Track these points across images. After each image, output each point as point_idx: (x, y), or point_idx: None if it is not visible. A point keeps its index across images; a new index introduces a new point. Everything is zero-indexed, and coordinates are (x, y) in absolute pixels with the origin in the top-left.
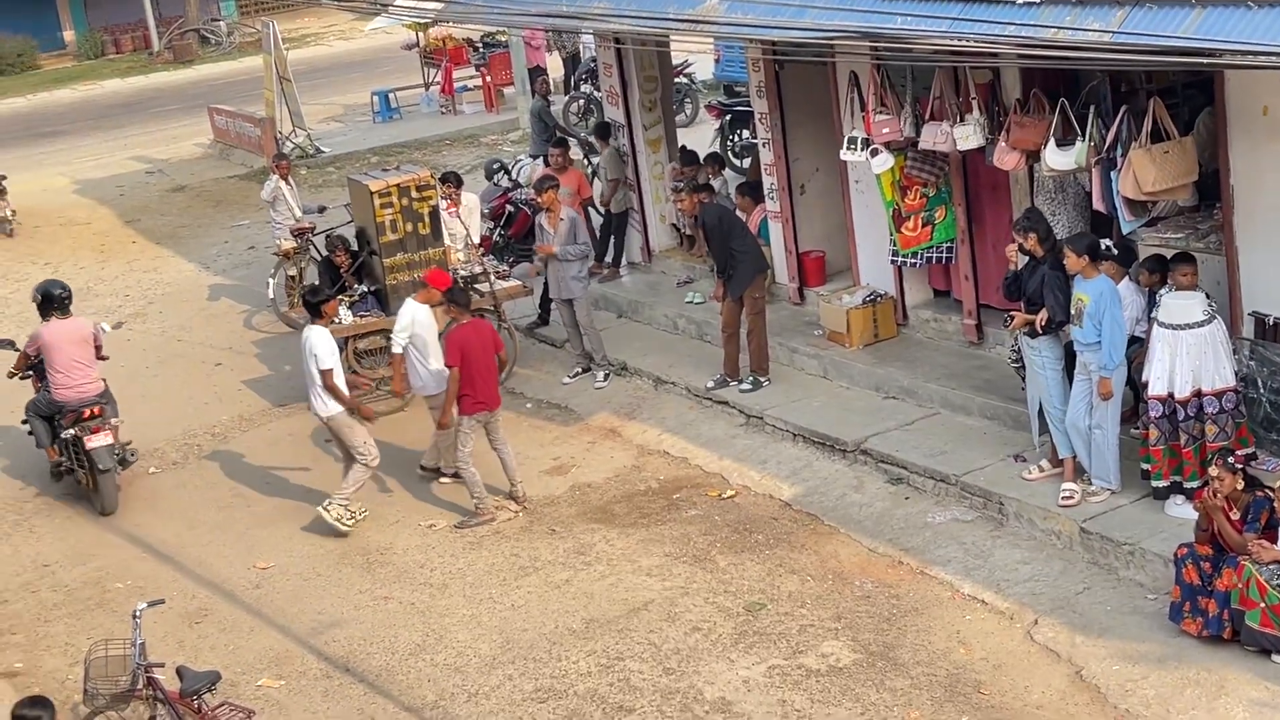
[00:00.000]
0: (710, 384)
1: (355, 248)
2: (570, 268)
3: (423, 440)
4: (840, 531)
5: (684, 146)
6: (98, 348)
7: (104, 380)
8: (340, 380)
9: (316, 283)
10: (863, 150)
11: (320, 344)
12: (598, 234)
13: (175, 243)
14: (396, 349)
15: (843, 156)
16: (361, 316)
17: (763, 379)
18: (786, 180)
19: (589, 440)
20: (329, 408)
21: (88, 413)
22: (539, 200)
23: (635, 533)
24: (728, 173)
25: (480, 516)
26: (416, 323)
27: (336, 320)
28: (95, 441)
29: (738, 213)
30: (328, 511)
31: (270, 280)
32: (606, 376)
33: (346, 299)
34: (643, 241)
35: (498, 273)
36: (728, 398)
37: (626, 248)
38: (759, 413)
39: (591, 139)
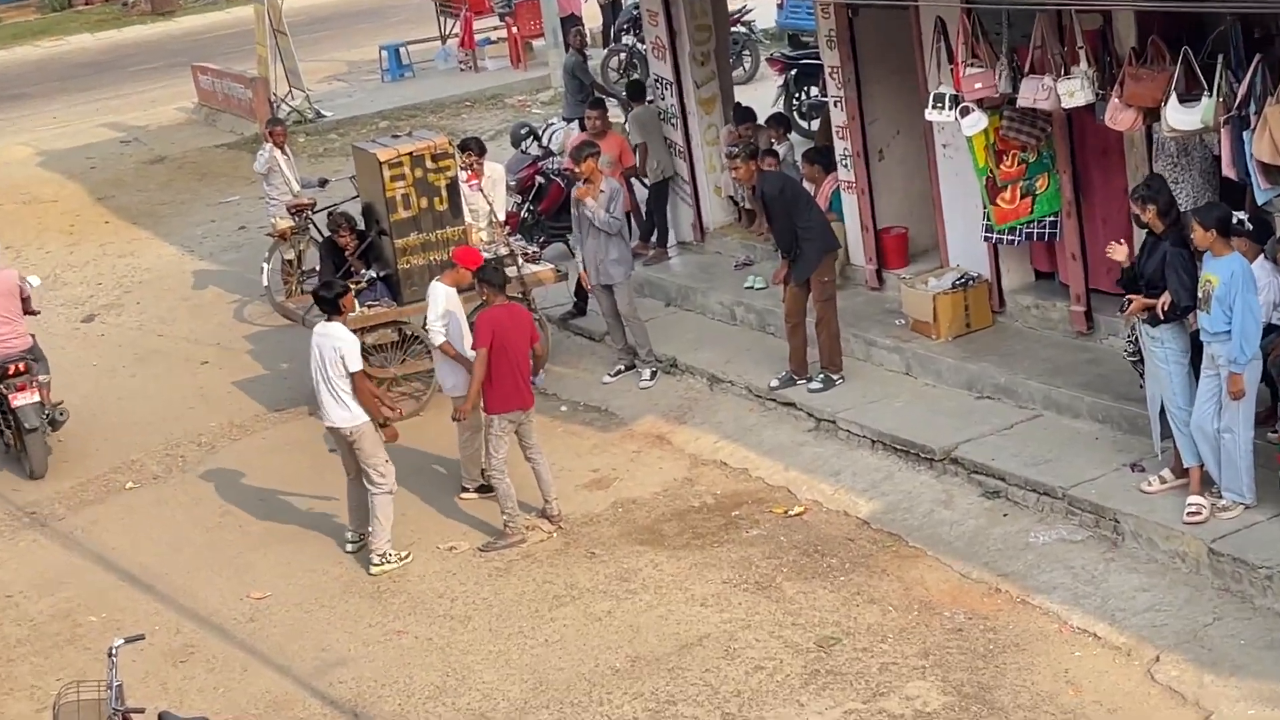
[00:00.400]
0: (774, 382)
1: (362, 227)
2: (610, 248)
3: (441, 445)
4: (927, 554)
5: (740, 105)
6: (25, 300)
7: (32, 336)
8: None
9: (318, 268)
10: (951, 109)
11: (347, 343)
12: (642, 208)
13: (154, 222)
14: (438, 338)
15: (928, 117)
16: (370, 306)
17: (835, 376)
18: (862, 144)
19: (633, 449)
20: (355, 416)
21: (13, 369)
22: (576, 170)
23: (688, 556)
24: (794, 136)
25: (509, 538)
26: (450, 305)
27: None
28: (21, 399)
29: (805, 183)
30: (382, 567)
31: (264, 265)
32: (653, 374)
33: (352, 286)
34: (694, 217)
35: (527, 255)
36: (794, 398)
37: (675, 224)
38: (831, 415)
39: (628, 101)
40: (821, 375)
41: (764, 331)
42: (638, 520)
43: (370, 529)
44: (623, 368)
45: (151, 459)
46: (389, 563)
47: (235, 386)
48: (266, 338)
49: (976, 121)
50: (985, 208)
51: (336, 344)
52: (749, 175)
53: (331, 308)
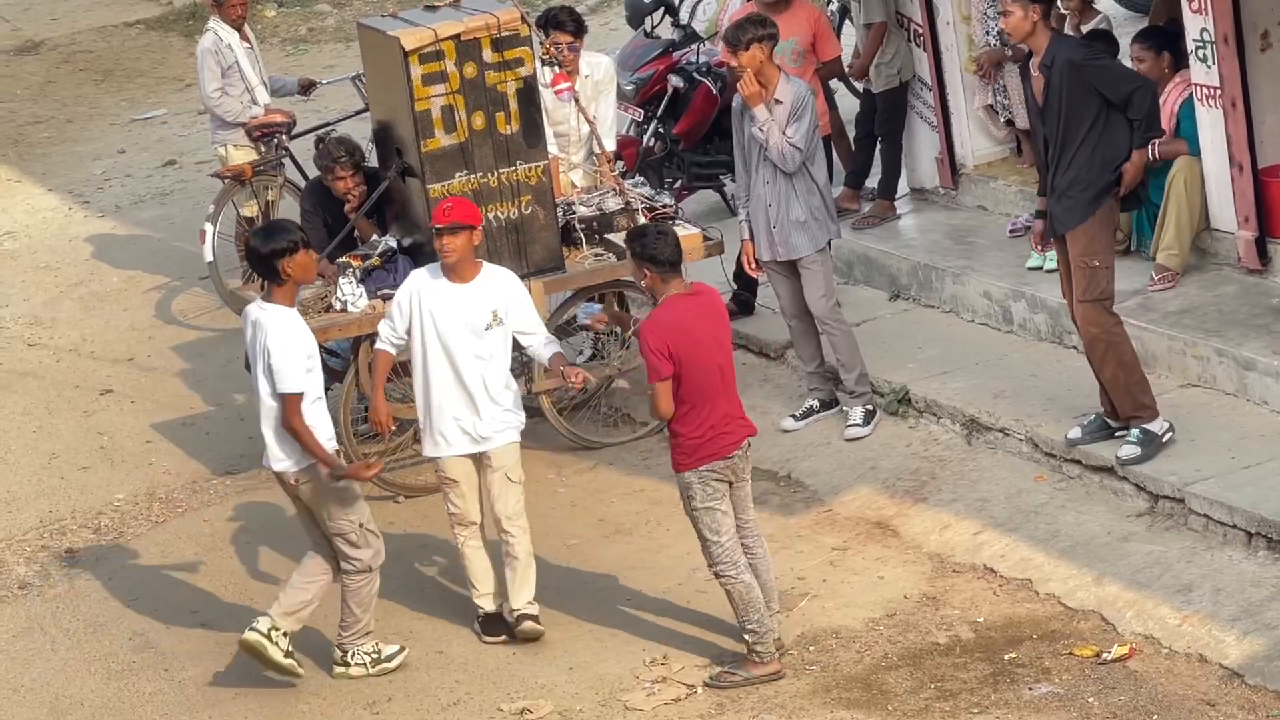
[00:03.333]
0: (1075, 432)
1: (373, 163)
2: (793, 201)
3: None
4: None
5: None
6: None
7: None
8: (318, 413)
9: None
10: None
11: (282, 340)
12: (850, 137)
13: (24, 154)
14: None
15: None
16: (385, 297)
17: (1154, 428)
18: (1233, 24)
19: (834, 544)
20: (297, 457)
21: None
22: (735, 65)
23: None
24: (1109, 4)
25: (756, 665)
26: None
27: (323, 287)
28: None
29: None
30: (348, 670)
31: (208, 227)
32: (868, 416)
33: (355, 262)
34: (941, 147)
35: (654, 209)
36: (1108, 458)
37: (908, 159)
38: (1177, 490)
39: None
40: (1136, 432)
41: (1059, 344)
42: (842, 666)
43: (341, 619)
44: (815, 405)
45: (16, 556)
46: (360, 665)
47: (157, 433)
48: (210, 350)
49: None
50: None
51: (269, 344)
52: (1024, 31)
53: (265, 271)
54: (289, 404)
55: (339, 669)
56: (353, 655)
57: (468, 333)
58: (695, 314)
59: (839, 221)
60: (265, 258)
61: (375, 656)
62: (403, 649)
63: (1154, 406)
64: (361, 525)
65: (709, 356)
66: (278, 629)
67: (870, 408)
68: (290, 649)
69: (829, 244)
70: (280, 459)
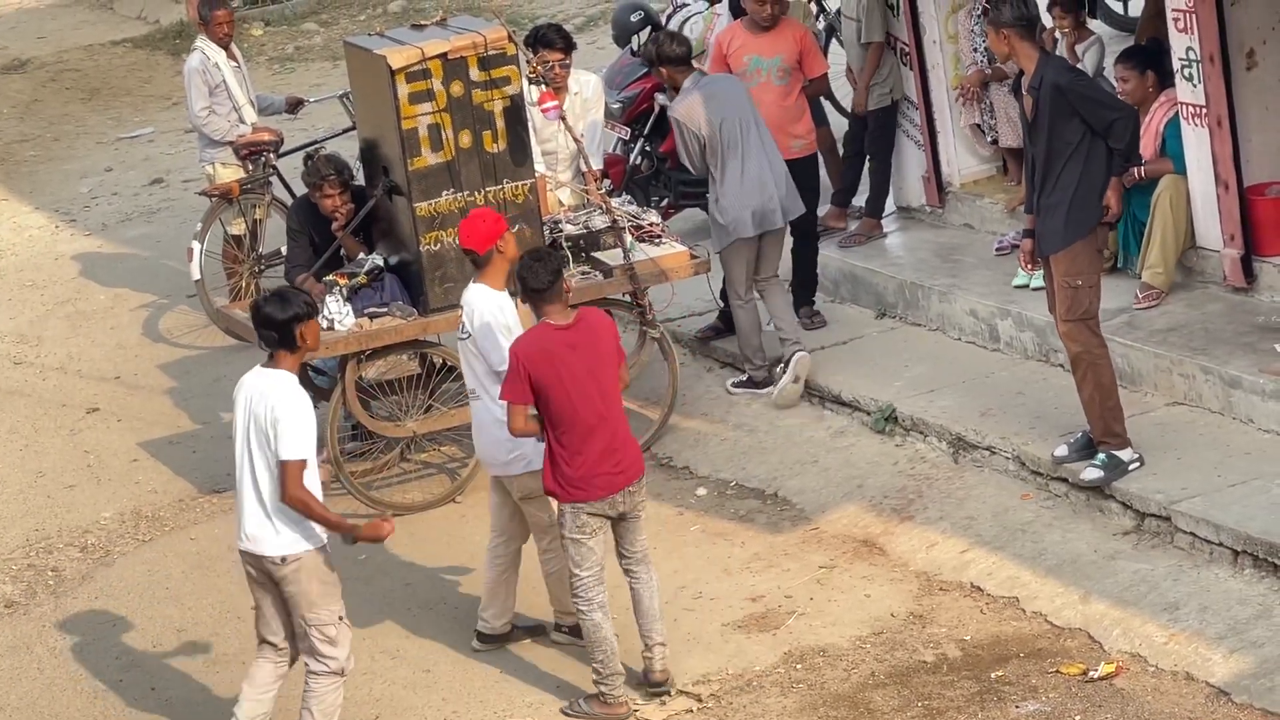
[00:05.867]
0: (1062, 450)
1: (360, 180)
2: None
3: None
4: None
5: None
6: None
7: None
8: (314, 479)
9: (286, 250)
10: None
11: (289, 406)
12: (840, 153)
13: (13, 173)
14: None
15: None
16: (372, 316)
17: (1122, 455)
18: (1218, 43)
19: (822, 561)
20: (292, 539)
21: None
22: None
23: None
24: (1099, 25)
25: (605, 707)
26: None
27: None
28: None
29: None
30: None
31: (195, 245)
32: (744, 383)
33: (342, 281)
34: (928, 165)
35: (641, 228)
36: (1095, 478)
37: (895, 177)
38: (1163, 508)
39: None
40: (1102, 456)
41: (1046, 362)
42: (828, 685)
43: None
44: (744, 379)
45: (2, 575)
46: None
47: (144, 451)
48: (197, 368)
49: None
50: None
51: (273, 404)
52: (1002, 52)
53: (281, 338)
54: (290, 472)
55: None
56: None
57: None
58: (565, 345)
59: (734, 234)
60: (284, 322)
61: None
62: None
63: (1124, 435)
64: (340, 618)
65: (579, 390)
66: None
67: (753, 375)
68: None
69: (722, 242)
70: (269, 541)
